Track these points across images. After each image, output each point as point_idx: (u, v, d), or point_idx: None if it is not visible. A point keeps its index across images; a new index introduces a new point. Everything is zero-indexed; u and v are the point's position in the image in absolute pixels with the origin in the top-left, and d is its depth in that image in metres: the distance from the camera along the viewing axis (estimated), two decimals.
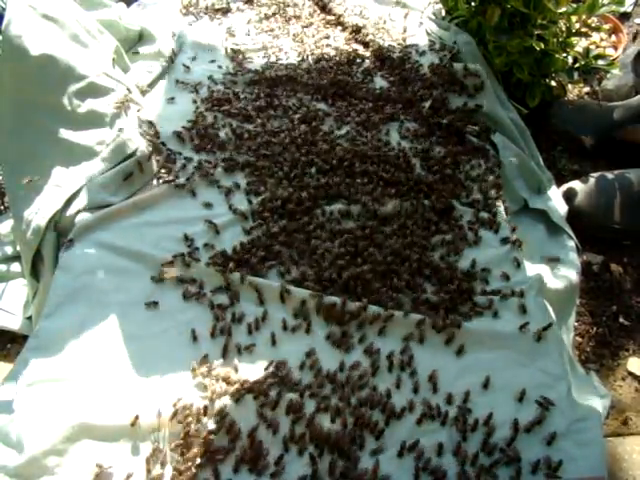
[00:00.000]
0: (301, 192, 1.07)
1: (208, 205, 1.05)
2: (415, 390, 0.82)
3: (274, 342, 0.86)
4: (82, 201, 0.98)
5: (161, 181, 1.08)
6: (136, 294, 0.89)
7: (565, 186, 1.25)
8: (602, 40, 1.61)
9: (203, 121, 1.22)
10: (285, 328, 0.88)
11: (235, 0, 1.65)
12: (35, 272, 1.02)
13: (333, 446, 0.74)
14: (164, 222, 1.01)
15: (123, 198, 1.02)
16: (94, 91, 1.06)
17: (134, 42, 1.40)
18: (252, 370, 0.82)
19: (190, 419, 0.75)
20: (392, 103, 1.30)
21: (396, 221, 1.04)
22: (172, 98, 1.28)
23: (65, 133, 1.01)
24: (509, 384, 0.83)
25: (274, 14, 1.60)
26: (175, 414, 0.75)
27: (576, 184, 1.24)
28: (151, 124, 1.15)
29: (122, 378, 0.79)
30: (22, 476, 0.69)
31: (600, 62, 1.32)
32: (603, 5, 1.26)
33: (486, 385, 0.83)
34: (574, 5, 1.26)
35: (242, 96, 1.30)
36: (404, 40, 1.47)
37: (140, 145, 1.07)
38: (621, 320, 1.08)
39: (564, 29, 1.32)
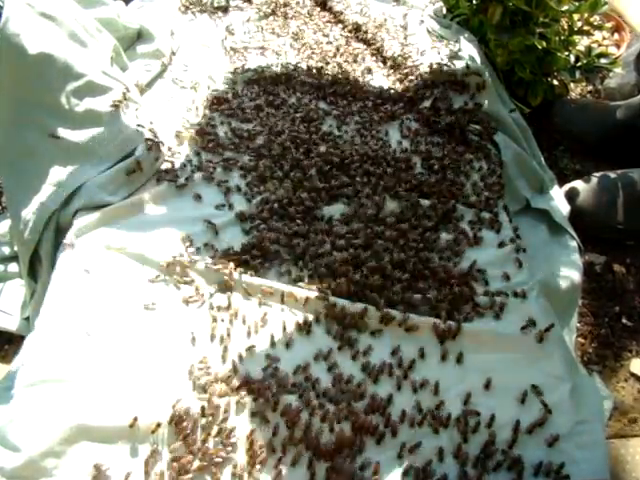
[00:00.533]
0: (301, 192, 1.07)
1: (207, 205, 1.05)
2: (415, 392, 0.81)
3: (274, 343, 0.85)
4: (80, 201, 0.97)
5: (160, 181, 1.07)
6: (135, 295, 0.88)
7: (567, 186, 1.24)
8: (604, 39, 1.61)
9: (202, 120, 1.21)
10: (285, 329, 0.87)
11: None
12: (33, 272, 1.01)
13: (330, 452, 0.74)
14: (163, 222, 1.00)
15: (122, 198, 1.01)
16: (92, 90, 1.05)
17: (133, 40, 1.39)
18: (252, 371, 0.82)
19: (189, 421, 0.75)
20: (392, 102, 1.30)
21: (397, 221, 1.03)
22: (171, 97, 1.27)
23: (63, 132, 1.00)
24: (511, 385, 0.82)
25: (273, 12, 1.60)
26: (174, 416, 0.75)
27: (578, 184, 1.23)
28: (150, 123, 1.14)
29: (120, 379, 0.79)
30: (19, 478, 0.68)
31: (602, 61, 1.31)
32: (605, 3, 1.25)
33: (487, 386, 0.82)
34: (576, 3, 1.26)
35: (241, 95, 1.29)
36: (405, 39, 1.46)
37: (139, 144, 1.06)
38: (624, 321, 1.07)
39: (566, 27, 1.31)
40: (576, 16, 1.29)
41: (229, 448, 0.74)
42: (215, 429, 0.75)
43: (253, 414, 0.77)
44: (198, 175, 1.09)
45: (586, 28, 1.31)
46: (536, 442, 0.77)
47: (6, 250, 1.17)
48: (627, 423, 0.93)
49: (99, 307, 0.86)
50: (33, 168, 0.99)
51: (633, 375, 1.00)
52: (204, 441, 0.73)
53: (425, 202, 1.07)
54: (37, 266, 1.00)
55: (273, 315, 0.89)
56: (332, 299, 0.89)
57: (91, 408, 0.75)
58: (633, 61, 1.46)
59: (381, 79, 1.37)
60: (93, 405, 0.75)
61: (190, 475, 0.71)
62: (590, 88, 1.53)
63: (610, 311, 1.08)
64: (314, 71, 1.37)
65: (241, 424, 0.76)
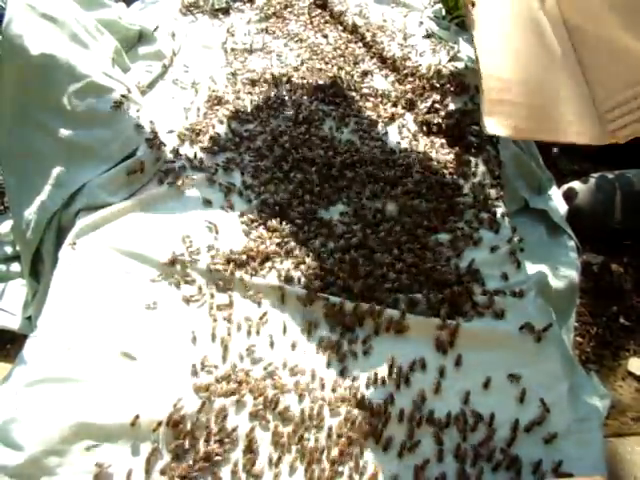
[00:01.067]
0: (301, 194, 1.07)
1: (208, 205, 1.05)
2: (415, 391, 0.81)
3: (273, 343, 0.86)
4: (82, 201, 0.98)
5: (161, 181, 1.07)
6: (136, 294, 0.89)
7: (565, 186, 1.25)
8: None
9: (203, 121, 1.21)
10: (285, 328, 0.88)
11: (235, 0, 1.65)
12: (35, 272, 1.02)
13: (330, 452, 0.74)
14: (164, 222, 1.00)
15: (123, 198, 1.02)
16: (94, 91, 1.05)
17: (134, 42, 1.40)
18: (252, 371, 0.82)
19: (190, 419, 0.75)
20: (392, 103, 1.30)
21: (396, 222, 1.04)
22: (172, 98, 1.28)
23: (65, 133, 1.01)
24: (509, 384, 0.83)
25: (274, 14, 1.60)
26: (175, 414, 0.75)
27: (576, 184, 1.24)
28: (151, 124, 1.15)
29: (122, 378, 0.79)
30: (22, 476, 0.69)
31: None
32: None
33: (486, 385, 0.83)
34: None
35: (242, 96, 1.30)
36: (404, 40, 1.47)
37: (140, 145, 1.07)
38: (621, 320, 1.08)
39: None
40: None
41: (229, 447, 0.74)
42: (215, 428, 0.75)
43: (253, 413, 0.77)
44: (199, 175, 1.10)
45: None
46: (534, 440, 0.77)
47: (8, 250, 1.18)
48: (625, 421, 0.94)
49: (101, 306, 0.86)
50: (35, 168, 1.00)
51: (631, 374, 1.00)
52: (204, 440, 0.74)
53: (424, 203, 1.07)
54: (39, 266, 1.00)
55: (273, 315, 0.89)
56: (332, 299, 0.89)
57: (93, 407, 0.75)
58: None
59: (380, 80, 1.38)
60: (95, 404, 0.75)
61: (190, 474, 0.71)
62: None
63: (608, 310, 1.09)
64: (314, 72, 1.37)
65: (241, 423, 0.76)
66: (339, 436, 0.76)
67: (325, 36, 1.52)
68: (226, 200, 1.06)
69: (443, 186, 1.11)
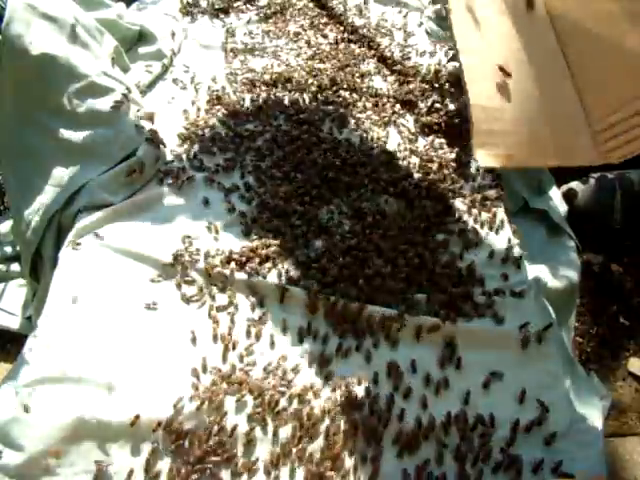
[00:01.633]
0: (301, 194, 1.07)
1: (208, 205, 1.05)
2: (415, 391, 0.81)
3: (273, 342, 0.86)
4: (82, 201, 0.98)
5: (161, 181, 1.07)
6: (136, 294, 0.89)
7: (565, 186, 1.25)
8: None
9: (203, 121, 1.22)
10: (285, 328, 0.88)
11: (235, 0, 1.65)
12: (35, 272, 1.02)
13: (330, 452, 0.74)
14: (164, 222, 1.01)
15: (123, 198, 1.02)
16: (94, 91, 1.05)
17: (134, 42, 1.40)
18: (252, 370, 0.82)
19: (190, 419, 0.75)
20: (392, 103, 1.30)
21: (396, 222, 1.04)
22: (172, 98, 1.28)
23: (65, 133, 1.01)
24: (509, 384, 0.83)
25: (274, 14, 1.60)
26: (175, 414, 0.75)
27: (576, 184, 1.24)
28: (151, 124, 1.15)
29: (122, 378, 0.79)
30: (22, 476, 0.69)
31: None
32: None
33: (486, 385, 0.83)
34: None
35: (242, 96, 1.30)
36: (404, 40, 1.47)
37: (140, 145, 1.07)
38: (621, 320, 1.08)
39: None
40: None
41: (229, 447, 0.74)
42: (215, 428, 0.75)
43: (253, 413, 0.77)
44: (199, 176, 1.10)
45: None
46: (535, 440, 0.77)
47: (8, 250, 1.18)
48: (625, 421, 0.94)
49: (101, 307, 0.86)
50: (35, 168, 1.00)
51: (631, 374, 1.01)
52: (204, 440, 0.74)
53: (424, 203, 1.07)
54: (39, 266, 1.00)
55: (273, 315, 0.89)
56: (332, 299, 0.89)
57: (93, 407, 0.75)
58: None
59: (380, 80, 1.38)
60: (95, 404, 0.75)
61: (190, 474, 0.71)
62: None
63: (608, 310, 1.09)
64: (314, 72, 1.38)
65: (241, 423, 0.76)
66: (339, 436, 0.76)
67: (325, 36, 1.52)
68: (226, 200, 1.06)
69: (443, 186, 1.11)
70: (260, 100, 1.29)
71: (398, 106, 1.30)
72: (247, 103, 1.28)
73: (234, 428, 0.75)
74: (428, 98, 1.29)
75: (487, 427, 0.78)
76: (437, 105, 1.27)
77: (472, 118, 0.82)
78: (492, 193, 1.11)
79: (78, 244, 0.92)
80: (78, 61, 1.05)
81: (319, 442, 0.75)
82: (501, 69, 0.74)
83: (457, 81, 1.30)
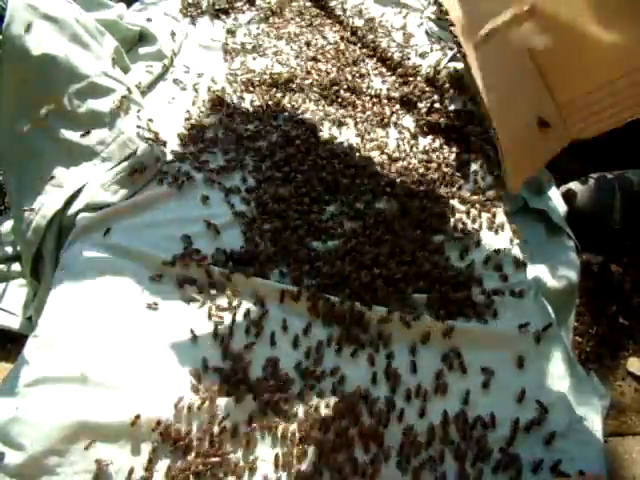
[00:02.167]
0: (301, 194, 1.08)
1: (208, 205, 1.05)
2: (415, 391, 0.82)
3: (274, 342, 0.86)
4: (82, 201, 0.98)
5: (161, 181, 1.08)
6: (136, 294, 0.89)
7: (565, 186, 1.25)
8: None
9: (203, 121, 1.22)
10: (285, 328, 0.88)
11: (235, 0, 1.65)
12: (35, 272, 1.02)
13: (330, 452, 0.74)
14: (164, 222, 1.01)
15: (123, 198, 1.02)
16: (94, 91, 1.06)
17: (134, 42, 1.40)
18: (252, 370, 0.82)
19: (190, 419, 0.75)
20: (392, 103, 1.31)
21: (396, 222, 1.04)
22: (172, 98, 1.28)
23: (66, 133, 1.01)
24: (509, 384, 0.83)
25: (274, 15, 1.61)
26: (175, 414, 0.75)
27: (576, 184, 1.24)
28: (151, 124, 1.15)
29: (122, 378, 0.79)
30: (23, 475, 0.69)
31: None
32: None
33: (486, 385, 0.83)
34: None
35: (242, 96, 1.30)
36: (404, 40, 1.47)
37: (140, 145, 1.07)
38: (621, 320, 1.08)
39: None
40: None
41: (229, 447, 0.74)
42: (216, 428, 0.75)
43: (254, 413, 0.77)
44: (199, 176, 1.10)
45: None
46: (534, 440, 0.77)
47: (9, 250, 1.18)
48: (624, 421, 0.94)
49: (101, 307, 0.86)
50: (36, 169, 1.00)
51: (630, 374, 1.01)
52: (205, 440, 0.74)
53: (424, 203, 1.08)
54: (40, 266, 1.01)
55: (273, 315, 0.89)
56: (332, 299, 0.89)
57: (93, 406, 0.75)
58: None
59: (380, 81, 1.38)
60: (95, 403, 0.76)
61: (191, 474, 0.72)
62: None
63: (607, 310, 1.09)
64: (314, 73, 1.38)
65: (241, 422, 0.76)
66: (340, 436, 0.76)
67: (325, 37, 1.52)
68: (226, 200, 1.07)
69: (442, 186, 1.11)
70: (260, 100, 1.29)
71: (398, 106, 1.30)
72: (247, 103, 1.28)
73: (234, 428, 0.75)
74: (428, 98, 1.29)
75: (487, 427, 0.78)
76: (437, 105, 1.27)
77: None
78: (492, 193, 1.11)
79: (76, 244, 0.92)
80: (79, 61, 1.05)
81: (319, 442, 0.75)
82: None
83: (457, 81, 1.31)
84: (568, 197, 1.21)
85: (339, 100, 1.31)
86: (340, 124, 1.25)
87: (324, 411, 0.78)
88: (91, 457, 0.71)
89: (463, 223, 1.05)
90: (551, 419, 0.79)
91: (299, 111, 1.27)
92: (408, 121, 1.27)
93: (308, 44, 1.48)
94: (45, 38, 1.01)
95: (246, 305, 0.90)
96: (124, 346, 0.83)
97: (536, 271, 0.99)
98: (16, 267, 1.16)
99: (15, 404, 0.74)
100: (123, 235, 0.96)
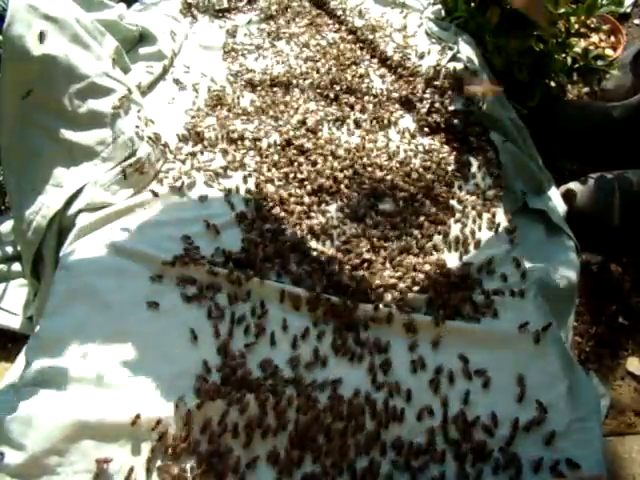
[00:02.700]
0: (301, 194, 1.08)
1: (208, 205, 1.06)
2: (415, 391, 0.82)
3: (274, 342, 0.86)
4: (83, 201, 0.98)
5: (162, 181, 1.08)
6: (136, 294, 0.89)
7: (564, 186, 1.25)
8: (601, 41, 1.62)
9: (203, 122, 1.22)
10: (285, 328, 0.88)
11: (235, 1, 1.65)
12: (36, 272, 1.02)
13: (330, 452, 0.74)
14: (164, 222, 1.01)
15: (124, 198, 1.02)
16: (95, 91, 1.06)
17: (134, 42, 1.40)
18: (252, 370, 0.82)
19: (191, 419, 0.76)
20: (392, 104, 1.31)
21: (395, 223, 1.04)
22: (172, 98, 1.28)
23: (66, 133, 1.01)
24: (509, 384, 0.83)
25: (274, 15, 1.61)
26: (176, 414, 0.76)
27: (575, 184, 1.24)
28: (152, 124, 1.15)
29: (122, 378, 0.79)
30: (23, 475, 0.69)
31: (599, 63, 1.32)
32: (602, 6, 1.26)
33: (486, 385, 0.83)
34: (573, 6, 1.27)
35: (242, 97, 1.31)
36: (404, 40, 1.47)
37: (140, 146, 1.07)
38: (620, 320, 1.08)
39: (563, 30, 1.33)
40: (573, 19, 1.30)
41: (230, 446, 0.75)
42: (216, 428, 0.75)
43: (253, 413, 0.77)
44: (199, 176, 1.10)
45: (583, 30, 1.32)
46: (534, 440, 0.78)
47: (9, 250, 1.18)
48: (624, 420, 0.94)
49: (101, 306, 0.86)
50: (36, 169, 1.00)
51: (629, 373, 1.01)
52: (205, 439, 0.74)
53: (424, 203, 1.08)
54: (40, 266, 1.01)
55: (273, 314, 0.90)
56: (331, 299, 0.90)
57: (93, 406, 0.75)
58: (629, 63, 1.48)
59: (380, 81, 1.38)
60: (95, 403, 0.76)
61: (191, 473, 0.72)
62: (587, 90, 1.55)
63: (607, 310, 1.09)
64: (314, 73, 1.38)
65: (241, 422, 0.76)
66: (340, 437, 0.76)
67: (325, 37, 1.52)
68: (226, 200, 1.07)
69: (442, 186, 1.11)
70: (260, 100, 1.29)
71: (398, 106, 1.30)
72: (247, 104, 1.29)
73: (235, 428, 0.76)
74: (428, 98, 1.29)
75: (487, 427, 0.78)
76: (437, 105, 1.27)
77: None
78: (492, 193, 1.12)
79: (76, 244, 0.92)
80: (79, 62, 1.05)
81: (319, 443, 0.75)
82: None
83: (457, 81, 1.31)
84: (568, 197, 1.21)
85: (339, 100, 1.31)
86: (340, 124, 1.25)
87: (324, 411, 0.78)
88: (91, 457, 0.72)
89: (463, 223, 1.05)
90: (551, 419, 0.79)
91: (299, 111, 1.27)
92: (408, 121, 1.27)
93: (308, 44, 1.49)
94: (46, 39, 1.01)
95: (246, 305, 0.90)
96: (124, 346, 0.83)
97: (536, 271, 0.99)
98: (16, 267, 1.16)
99: (15, 404, 0.74)
100: (123, 235, 0.96)
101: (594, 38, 1.60)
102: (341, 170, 1.13)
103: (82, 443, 0.72)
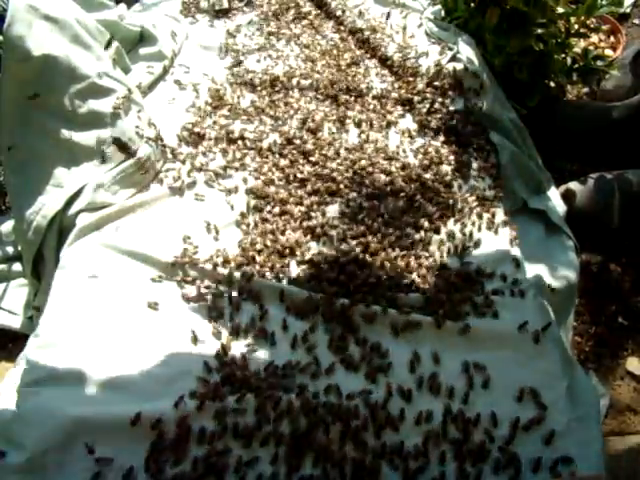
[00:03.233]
0: (301, 194, 1.08)
1: (208, 206, 1.06)
2: (415, 391, 0.82)
3: (274, 342, 0.86)
4: (83, 201, 0.98)
5: (162, 182, 1.08)
6: (137, 294, 0.89)
7: (564, 186, 1.25)
8: (601, 41, 1.62)
9: (203, 122, 1.22)
10: (285, 328, 0.88)
11: (235, 1, 1.66)
12: (36, 272, 1.02)
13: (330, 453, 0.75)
14: (165, 222, 1.01)
15: (124, 198, 1.03)
16: (95, 92, 1.06)
17: (135, 43, 1.40)
18: (252, 370, 0.83)
19: (190, 419, 0.76)
20: (392, 104, 1.31)
21: (395, 223, 1.04)
22: (173, 98, 1.28)
23: (66, 133, 1.01)
24: (508, 384, 0.83)
25: (274, 15, 1.61)
26: (176, 414, 0.76)
27: (575, 184, 1.24)
28: (152, 125, 1.15)
29: (123, 377, 0.80)
30: (24, 475, 0.69)
31: (599, 63, 1.32)
32: (602, 6, 1.26)
33: (486, 385, 0.83)
34: (573, 6, 1.27)
35: (242, 97, 1.31)
36: (404, 41, 1.47)
37: (141, 146, 1.07)
38: (620, 320, 1.08)
39: (563, 30, 1.33)
40: (573, 19, 1.31)
41: (230, 446, 0.75)
42: (216, 427, 0.76)
43: (254, 413, 0.77)
44: (199, 176, 1.10)
45: (583, 30, 1.32)
46: (534, 439, 0.78)
47: (10, 250, 1.18)
48: (623, 420, 0.94)
49: (102, 307, 0.87)
50: (36, 169, 1.01)
51: (629, 373, 1.01)
52: (205, 440, 0.74)
53: (423, 203, 1.08)
54: (40, 266, 1.01)
55: (273, 315, 0.90)
56: (331, 299, 0.90)
57: (93, 405, 0.75)
58: (629, 63, 1.48)
59: (380, 81, 1.38)
60: (95, 403, 0.76)
61: (191, 473, 0.72)
62: (586, 90, 1.55)
63: (606, 310, 1.09)
64: (314, 73, 1.38)
65: (242, 422, 0.77)
66: (339, 436, 0.76)
67: (325, 37, 1.53)
68: (226, 201, 1.07)
69: (442, 186, 1.11)
70: (260, 101, 1.29)
71: (398, 106, 1.30)
72: (247, 104, 1.29)
73: (235, 428, 0.76)
74: (428, 98, 1.29)
75: (486, 426, 0.78)
76: (437, 105, 1.27)
77: None
78: (491, 193, 1.12)
79: (76, 244, 0.92)
80: (79, 62, 1.05)
81: (319, 443, 0.76)
82: None
83: (457, 81, 1.31)
84: (567, 197, 1.21)
85: (339, 100, 1.31)
86: (340, 124, 1.25)
87: (323, 411, 0.78)
88: (91, 457, 0.72)
89: (462, 223, 1.05)
90: (550, 418, 0.79)
91: (299, 111, 1.27)
92: (408, 121, 1.27)
93: (308, 44, 1.49)
94: (46, 39, 1.01)
95: (246, 305, 0.91)
96: (124, 346, 0.83)
97: (536, 271, 0.99)
98: (17, 267, 1.16)
99: (16, 403, 0.74)
100: (123, 235, 0.96)
101: (594, 38, 1.60)
102: (341, 170, 1.13)
103: (82, 443, 0.73)
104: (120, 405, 0.76)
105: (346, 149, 1.18)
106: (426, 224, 1.04)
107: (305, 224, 1.03)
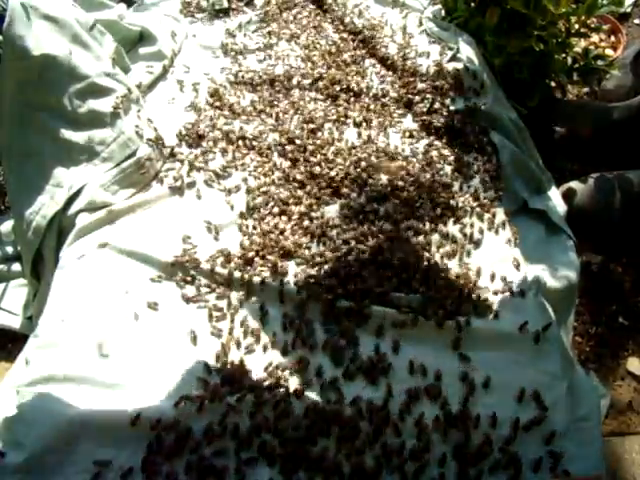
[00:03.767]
0: (301, 194, 1.08)
1: (208, 206, 1.06)
2: (415, 391, 0.82)
3: (274, 342, 0.86)
4: (83, 201, 0.98)
5: (162, 181, 1.08)
6: (136, 294, 0.89)
7: (564, 186, 1.25)
8: (601, 41, 1.62)
9: (203, 122, 1.22)
10: (285, 328, 0.88)
11: (235, 1, 1.65)
12: (36, 272, 1.02)
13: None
14: (165, 222, 1.01)
15: (124, 198, 1.02)
16: (95, 91, 1.06)
17: (134, 42, 1.40)
18: (252, 370, 0.82)
19: (191, 419, 0.76)
20: (392, 104, 1.31)
21: (396, 223, 1.04)
22: (172, 98, 1.28)
23: (66, 133, 1.01)
24: (509, 384, 0.83)
25: (274, 15, 1.61)
26: (176, 414, 0.76)
27: (575, 184, 1.24)
28: (151, 124, 1.15)
29: (123, 378, 0.79)
30: (23, 475, 0.69)
31: (599, 63, 1.32)
32: (602, 6, 1.26)
33: (486, 385, 0.83)
34: (573, 6, 1.27)
35: (242, 97, 1.30)
36: (404, 40, 1.47)
37: (140, 145, 1.07)
38: (620, 320, 1.08)
39: (563, 30, 1.32)
40: (573, 19, 1.30)
41: (230, 446, 0.74)
42: (216, 428, 0.75)
43: (254, 413, 0.77)
44: (199, 176, 1.10)
45: (583, 30, 1.32)
46: (534, 439, 0.78)
47: (9, 250, 1.18)
48: (624, 420, 0.94)
49: (102, 306, 0.86)
50: (36, 169, 1.00)
51: (630, 373, 1.01)
52: (206, 440, 0.74)
53: (424, 203, 1.08)
54: (40, 266, 1.01)
55: (273, 315, 0.90)
56: (332, 300, 0.89)
57: (93, 406, 0.75)
58: (630, 63, 1.48)
59: (380, 81, 1.38)
60: (96, 403, 0.76)
61: (191, 474, 0.72)
62: (587, 90, 1.55)
63: (607, 310, 1.09)
64: (314, 73, 1.38)
65: (242, 422, 0.76)
66: (339, 437, 0.76)
67: (325, 37, 1.52)
68: (226, 201, 1.07)
69: (442, 187, 1.11)
70: (260, 101, 1.29)
71: (398, 106, 1.30)
72: (247, 104, 1.29)
73: (235, 428, 0.76)
74: (428, 98, 1.29)
75: (487, 426, 0.78)
76: (437, 105, 1.27)
77: None
78: (492, 193, 1.12)
79: (76, 244, 0.92)
80: (79, 62, 1.05)
81: (319, 443, 0.75)
82: None
83: (457, 81, 1.31)
84: (568, 197, 1.21)
85: (339, 100, 1.31)
86: (340, 124, 1.25)
87: (323, 413, 0.78)
88: (91, 457, 0.72)
89: (462, 223, 1.05)
90: (551, 419, 0.79)
91: (299, 111, 1.27)
92: (408, 121, 1.27)
93: (308, 44, 1.48)
94: (46, 39, 1.01)
95: (246, 305, 0.90)
96: (124, 346, 0.83)
97: (536, 271, 0.99)
98: (16, 267, 1.16)
99: (16, 403, 0.74)
100: (123, 235, 0.96)
101: (594, 38, 1.60)
102: (341, 171, 1.13)
103: (82, 443, 0.72)
104: (120, 405, 0.76)
105: (346, 149, 1.18)
106: (426, 224, 1.04)
107: (305, 224, 1.03)
